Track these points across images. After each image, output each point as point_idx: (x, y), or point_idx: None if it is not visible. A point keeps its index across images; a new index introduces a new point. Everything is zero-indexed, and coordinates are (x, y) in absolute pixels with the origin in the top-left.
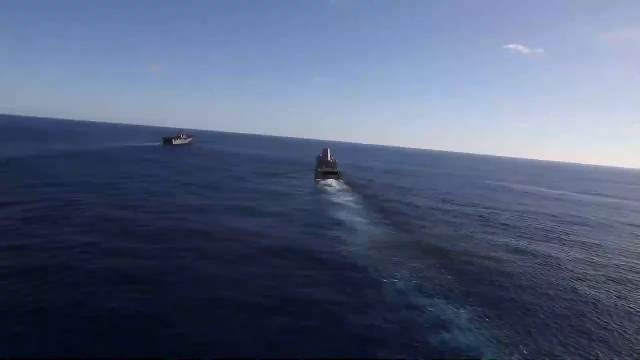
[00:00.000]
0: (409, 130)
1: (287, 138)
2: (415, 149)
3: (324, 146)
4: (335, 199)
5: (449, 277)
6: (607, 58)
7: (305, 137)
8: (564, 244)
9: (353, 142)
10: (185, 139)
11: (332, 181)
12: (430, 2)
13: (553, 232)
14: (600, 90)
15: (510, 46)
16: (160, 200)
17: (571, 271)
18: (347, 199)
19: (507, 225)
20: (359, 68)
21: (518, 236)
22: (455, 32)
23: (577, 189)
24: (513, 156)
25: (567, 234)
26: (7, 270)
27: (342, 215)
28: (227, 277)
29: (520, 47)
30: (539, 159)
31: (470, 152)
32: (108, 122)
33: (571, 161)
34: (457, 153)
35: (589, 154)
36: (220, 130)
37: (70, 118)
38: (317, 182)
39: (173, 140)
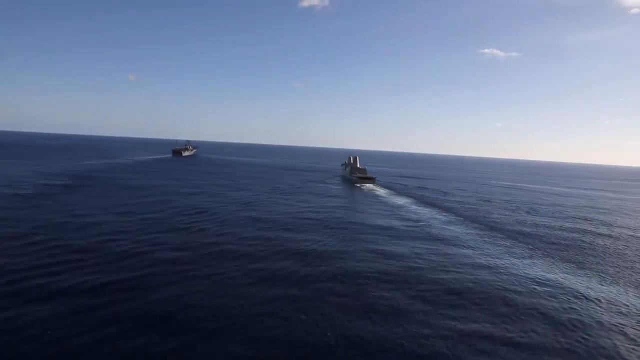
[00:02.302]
0: (387, 134)
1: (275, 146)
2: (395, 152)
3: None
4: (396, 201)
5: (560, 252)
6: (576, 58)
7: (289, 144)
8: (609, 226)
9: (333, 147)
10: (191, 150)
11: (370, 185)
12: (403, 10)
13: (592, 218)
14: (569, 88)
15: (486, 50)
16: (269, 205)
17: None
18: (404, 201)
19: (554, 216)
20: (334, 72)
21: (572, 221)
22: (429, 36)
23: (571, 185)
24: (494, 156)
25: (603, 219)
26: (269, 252)
27: (421, 214)
28: (397, 253)
29: (496, 51)
30: (517, 158)
31: (451, 153)
32: (96, 135)
33: (546, 159)
34: (440, 155)
35: (559, 151)
36: (208, 139)
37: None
38: (361, 187)
39: (182, 152)
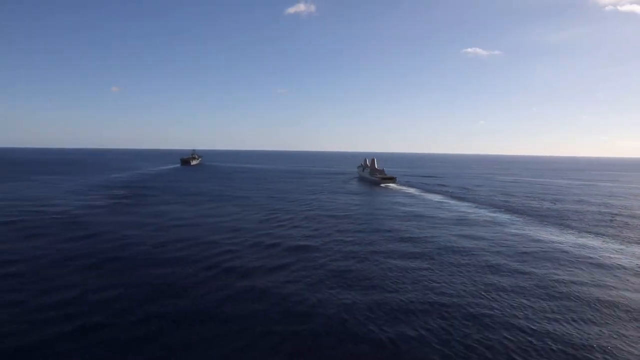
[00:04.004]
0: (370, 134)
1: (267, 151)
2: (382, 152)
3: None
4: (431, 198)
5: (606, 230)
6: (556, 55)
7: (277, 149)
8: (630, 209)
9: (324, 150)
10: (197, 159)
11: (394, 185)
12: (388, 13)
13: (610, 204)
14: (549, 85)
15: (469, 49)
16: (326, 204)
17: None
18: (438, 198)
19: (578, 203)
20: (320, 77)
21: (596, 206)
22: (414, 39)
23: (568, 177)
24: (478, 153)
25: (620, 204)
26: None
27: (462, 207)
28: (476, 235)
29: (479, 50)
30: (501, 154)
31: (435, 152)
32: (88, 148)
33: (528, 154)
34: (428, 154)
35: (541, 146)
36: (198, 148)
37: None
38: (386, 187)
39: (191, 161)
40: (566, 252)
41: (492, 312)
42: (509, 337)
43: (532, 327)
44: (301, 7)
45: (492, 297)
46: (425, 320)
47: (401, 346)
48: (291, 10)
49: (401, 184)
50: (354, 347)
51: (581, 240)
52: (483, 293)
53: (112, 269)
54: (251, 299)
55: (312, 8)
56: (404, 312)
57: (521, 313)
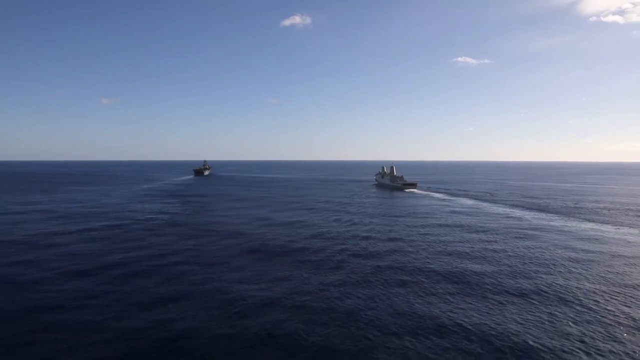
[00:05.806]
0: (361, 143)
1: (263, 161)
2: (375, 160)
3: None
4: (464, 202)
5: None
6: (544, 62)
7: (274, 159)
8: None
9: (307, 159)
10: (208, 169)
11: (415, 190)
12: (382, 26)
13: (624, 202)
14: (539, 90)
15: (459, 59)
16: (375, 207)
17: None
18: (470, 202)
19: (595, 202)
20: (313, 88)
21: (617, 205)
22: (407, 50)
23: (569, 181)
24: (467, 159)
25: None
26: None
27: (501, 208)
28: (539, 226)
29: (468, 59)
30: (491, 160)
31: (428, 159)
32: (83, 160)
33: (521, 159)
34: (422, 162)
35: (532, 152)
36: (197, 159)
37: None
38: (411, 192)
39: (203, 172)
40: (618, 239)
41: (589, 276)
42: (609, 287)
43: (622, 282)
44: (297, 19)
45: (581, 266)
46: (536, 280)
47: (539, 293)
48: (286, 22)
49: (423, 190)
50: (504, 297)
51: (622, 230)
52: (571, 263)
53: (260, 257)
54: (395, 272)
55: (308, 20)
56: (518, 277)
57: (611, 275)
